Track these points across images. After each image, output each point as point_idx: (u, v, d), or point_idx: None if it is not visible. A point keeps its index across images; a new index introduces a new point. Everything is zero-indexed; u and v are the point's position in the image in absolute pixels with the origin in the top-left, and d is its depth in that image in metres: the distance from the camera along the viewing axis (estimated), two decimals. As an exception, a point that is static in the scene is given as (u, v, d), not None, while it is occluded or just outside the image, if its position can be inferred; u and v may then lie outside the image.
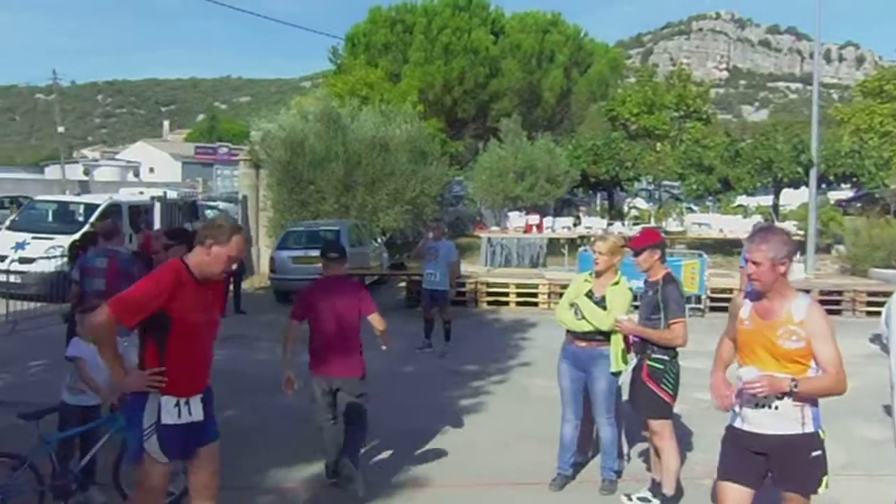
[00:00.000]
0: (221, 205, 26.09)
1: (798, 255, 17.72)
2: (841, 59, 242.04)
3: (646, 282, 5.50)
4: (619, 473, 5.81)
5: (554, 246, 20.94)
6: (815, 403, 3.68)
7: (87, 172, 56.15)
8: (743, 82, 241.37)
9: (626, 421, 6.05)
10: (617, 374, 5.55)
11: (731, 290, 12.81)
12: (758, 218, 19.79)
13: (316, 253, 15.01)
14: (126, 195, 21.04)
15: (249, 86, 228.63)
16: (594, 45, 34.69)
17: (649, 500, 5.43)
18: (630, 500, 5.50)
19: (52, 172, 53.28)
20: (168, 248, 5.90)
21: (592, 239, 8.11)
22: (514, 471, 6.12)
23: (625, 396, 5.74)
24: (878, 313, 5.18)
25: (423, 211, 20.56)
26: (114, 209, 15.88)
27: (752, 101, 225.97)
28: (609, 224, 21.59)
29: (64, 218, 16.33)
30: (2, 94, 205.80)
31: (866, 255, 17.84)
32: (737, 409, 3.78)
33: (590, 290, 5.57)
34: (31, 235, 14.86)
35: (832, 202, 29.93)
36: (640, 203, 31.19)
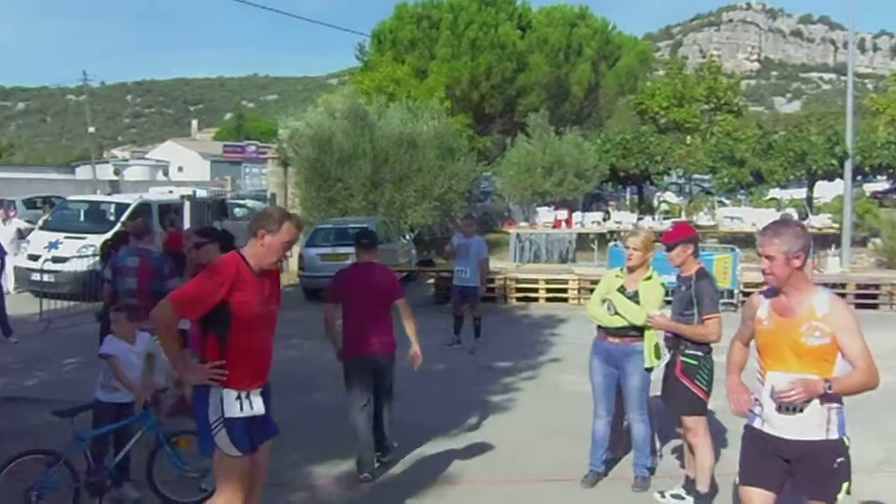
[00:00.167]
0: (250, 203, 26.36)
1: (833, 249, 17.51)
2: (875, 48, 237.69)
3: (679, 277, 5.42)
4: (651, 470, 5.75)
5: (583, 241, 20.81)
6: (840, 409, 3.53)
7: (117, 172, 56.80)
8: (775, 73, 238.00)
9: (659, 417, 5.98)
10: (650, 370, 5.49)
11: (764, 285, 12.61)
12: (790, 211, 19.46)
13: (344, 250, 15.18)
14: (156, 194, 21.25)
15: (276, 84, 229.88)
16: (622, 38, 34.38)
17: (683, 497, 5.36)
18: (663, 496, 5.43)
19: (83, 172, 53.95)
20: (199, 247, 5.91)
21: (624, 234, 8.04)
22: (545, 467, 6.09)
23: (657, 392, 5.68)
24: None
25: (451, 207, 20.54)
26: (144, 208, 16.02)
27: (784, 92, 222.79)
28: (639, 218, 21.41)
29: (96, 217, 16.52)
30: (33, 95, 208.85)
31: (903, 248, 17.51)
32: (756, 410, 3.64)
33: (622, 286, 5.51)
34: (64, 235, 15.04)
35: (868, 194, 29.42)
36: (671, 197, 30.89)
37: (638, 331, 5.43)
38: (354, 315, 5.97)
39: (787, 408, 3.49)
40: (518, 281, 15.24)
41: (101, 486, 5.05)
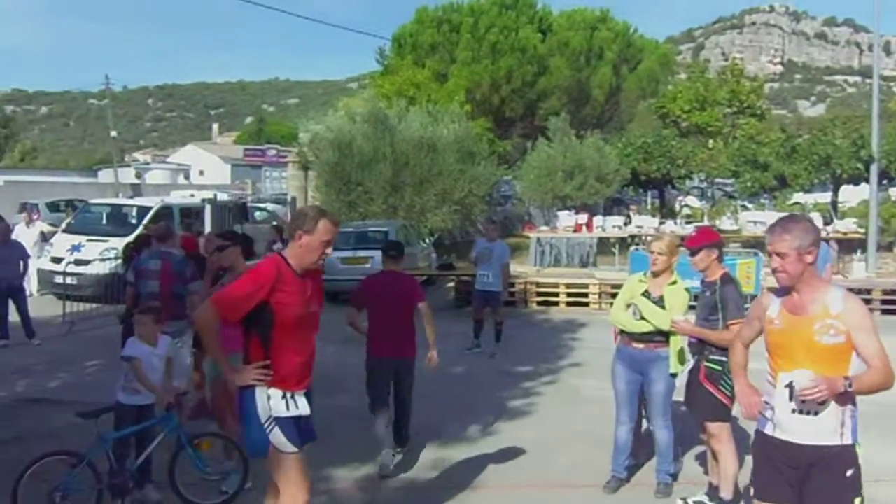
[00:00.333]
0: (270, 206, 26.45)
1: (859, 254, 17.31)
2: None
3: (703, 282, 5.36)
4: (674, 476, 5.70)
5: (604, 245, 20.70)
6: (855, 412, 3.42)
7: (139, 175, 57.39)
8: (798, 76, 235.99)
9: (680, 423, 5.91)
10: (675, 376, 5.43)
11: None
12: (816, 216, 19.24)
13: (364, 254, 15.17)
14: (178, 198, 21.38)
15: (297, 88, 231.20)
16: (644, 41, 34.24)
17: (706, 505, 5.30)
18: (686, 503, 5.37)
19: (105, 176, 54.45)
20: (221, 250, 5.94)
21: (648, 239, 7.98)
22: (566, 473, 6.04)
23: (679, 398, 5.62)
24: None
25: (472, 211, 20.52)
26: (166, 212, 16.13)
27: (808, 95, 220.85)
28: (661, 223, 21.24)
29: (118, 221, 16.61)
30: (56, 99, 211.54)
31: (930, 253, 17.27)
32: (767, 414, 3.54)
33: (646, 290, 5.46)
34: (87, 238, 15.12)
35: (894, 198, 29.04)
36: (693, 201, 30.68)
37: (663, 336, 5.37)
38: (379, 321, 6.29)
39: (806, 410, 3.37)
40: (538, 285, 15.18)
41: (124, 487, 5.07)
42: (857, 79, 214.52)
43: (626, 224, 21.03)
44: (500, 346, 10.80)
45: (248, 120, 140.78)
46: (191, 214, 16.72)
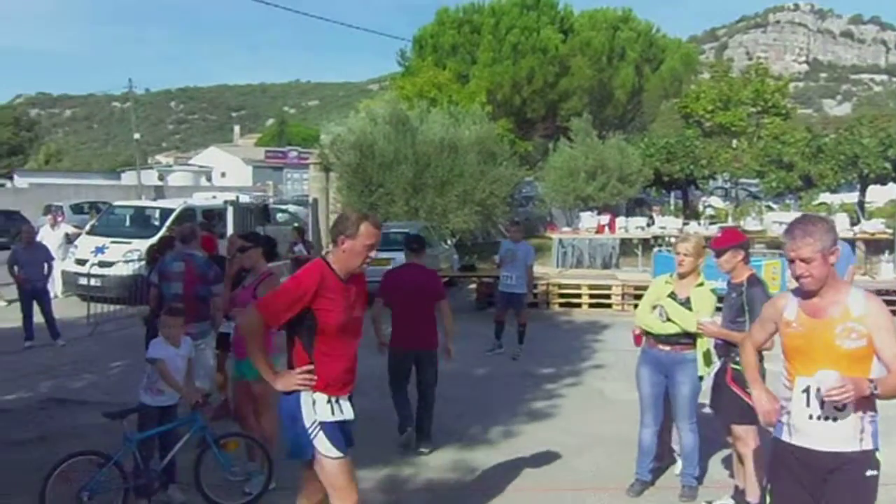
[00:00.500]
0: (292, 208, 26.54)
1: (887, 255, 17.04)
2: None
3: (729, 283, 5.29)
4: (699, 480, 5.63)
5: (627, 246, 20.57)
6: (875, 417, 3.31)
7: (161, 178, 57.86)
8: (824, 75, 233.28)
9: (705, 426, 5.84)
10: (702, 379, 5.38)
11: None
12: (842, 216, 18.99)
13: (385, 255, 15.15)
14: (200, 199, 21.49)
15: (318, 90, 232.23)
16: (666, 40, 34.03)
17: (732, 508, 5.23)
18: (712, 507, 5.31)
19: (128, 178, 55.03)
20: (244, 251, 5.95)
21: (674, 240, 7.91)
22: (590, 475, 6.00)
23: (704, 400, 5.55)
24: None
25: (493, 212, 20.45)
26: (189, 213, 16.22)
27: (833, 94, 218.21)
28: (684, 223, 21.06)
29: (141, 222, 16.77)
30: (80, 102, 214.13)
31: (960, 254, 16.93)
32: (784, 419, 3.45)
33: (673, 292, 5.41)
34: (110, 240, 15.26)
35: (922, 198, 28.63)
36: (716, 202, 30.40)
37: (689, 338, 5.32)
38: (402, 311, 6.59)
39: (825, 416, 3.27)
40: (561, 286, 15.09)
41: (149, 487, 5.10)
42: (884, 77, 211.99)
43: (648, 225, 20.88)
44: (523, 347, 10.75)
45: (270, 122, 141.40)
46: (213, 216, 16.81)
